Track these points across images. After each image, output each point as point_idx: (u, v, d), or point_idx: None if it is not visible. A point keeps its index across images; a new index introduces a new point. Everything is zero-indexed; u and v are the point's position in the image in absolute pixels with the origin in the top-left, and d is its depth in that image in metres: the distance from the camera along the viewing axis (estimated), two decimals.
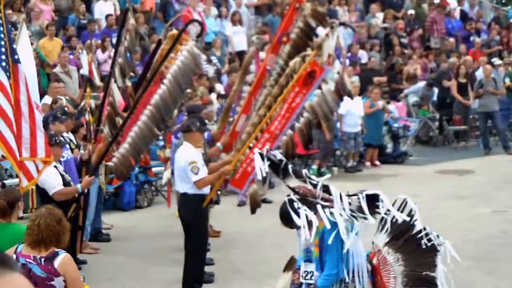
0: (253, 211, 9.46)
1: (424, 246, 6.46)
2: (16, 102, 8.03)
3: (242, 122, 10.04)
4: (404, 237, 6.57)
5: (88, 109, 10.01)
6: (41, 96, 13.06)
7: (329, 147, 16.56)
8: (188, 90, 11.73)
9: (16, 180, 11.95)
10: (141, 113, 9.26)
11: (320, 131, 14.71)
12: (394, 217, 6.50)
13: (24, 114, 8.05)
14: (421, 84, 20.91)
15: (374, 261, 6.55)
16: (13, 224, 6.68)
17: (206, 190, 9.14)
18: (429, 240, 6.47)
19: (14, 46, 8.30)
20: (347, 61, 19.82)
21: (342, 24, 20.78)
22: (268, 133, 8.84)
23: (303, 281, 6.66)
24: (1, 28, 8.22)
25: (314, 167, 16.48)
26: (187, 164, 8.94)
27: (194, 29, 9.79)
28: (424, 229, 6.49)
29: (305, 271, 6.64)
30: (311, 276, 6.57)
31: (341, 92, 9.05)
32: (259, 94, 9.82)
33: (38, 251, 5.64)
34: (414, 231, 6.54)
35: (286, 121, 8.77)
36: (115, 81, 10.00)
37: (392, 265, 6.53)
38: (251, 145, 9.00)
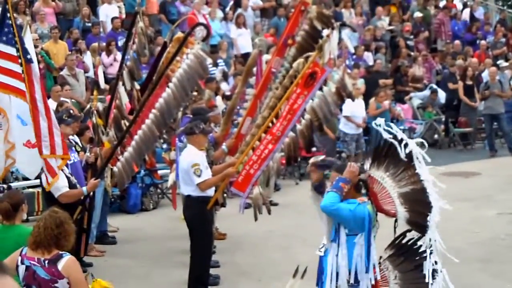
0: (255, 217, 9.40)
1: (422, 272, 6.44)
2: (32, 101, 8.15)
3: (248, 125, 10.04)
4: (406, 255, 6.55)
5: (95, 112, 10.01)
6: (47, 98, 13.12)
7: (331, 149, 16.51)
8: (194, 93, 11.74)
9: (22, 183, 12.03)
10: (147, 116, 9.27)
11: (321, 133, 14.55)
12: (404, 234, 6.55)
13: (41, 113, 8.17)
14: (427, 92, 20.90)
15: (377, 276, 6.52)
16: (17, 226, 6.70)
17: (210, 192, 9.14)
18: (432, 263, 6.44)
19: (25, 46, 8.38)
20: (352, 63, 19.84)
21: (343, 25, 20.75)
22: (270, 135, 8.81)
23: (317, 253, 6.66)
24: (11, 29, 8.29)
25: None
26: (190, 166, 8.95)
27: (199, 32, 9.79)
28: (425, 252, 6.46)
29: (322, 243, 6.64)
30: (322, 249, 6.57)
31: (342, 93, 9.03)
32: (265, 97, 9.82)
33: (42, 253, 5.65)
34: (415, 252, 6.50)
35: (288, 123, 8.74)
36: (123, 84, 10.00)
37: (389, 282, 6.51)
38: (255, 146, 8.98)
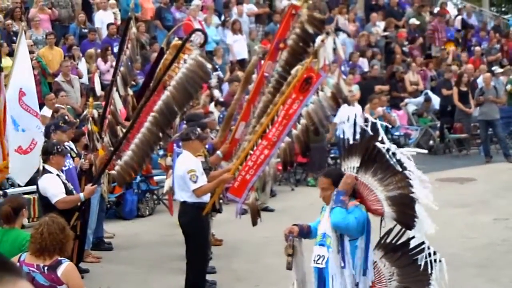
0: (254, 222, 9.37)
1: (420, 263, 6.48)
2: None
3: (242, 129, 10.04)
4: (402, 250, 6.59)
5: (91, 118, 10.01)
6: (42, 105, 13.12)
7: (321, 157, 16.47)
8: None
9: (18, 189, 12.00)
10: (144, 121, 9.25)
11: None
12: (396, 234, 6.59)
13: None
14: (422, 98, 20.95)
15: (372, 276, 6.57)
16: (15, 230, 6.72)
17: (205, 198, 9.13)
18: (427, 255, 6.49)
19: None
20: (348, 69, 19.87)
21: (338, 29, 20.78)
22: (266, 140, 8.79)
23: (314, 265, 6.55)
24: None
25: (310, 178, 16.44)
26: (185, 172, 8.95)
27: (197, 38, 9.79)
28: (423, 243, 6.51)
29: (317, 255, 6.53)
30: (322, 260, 6.48)
31: (337, 98, 9.03)
32: (258, 101, 9.81)
33: (42, 260, 5.64)
34: (412, 246, 6.56)
35: (283, 128, 8.73)
36: (117, 90, 10.00)
37: (386, 280, 6.54)
38: (251, 152, 8.97)
